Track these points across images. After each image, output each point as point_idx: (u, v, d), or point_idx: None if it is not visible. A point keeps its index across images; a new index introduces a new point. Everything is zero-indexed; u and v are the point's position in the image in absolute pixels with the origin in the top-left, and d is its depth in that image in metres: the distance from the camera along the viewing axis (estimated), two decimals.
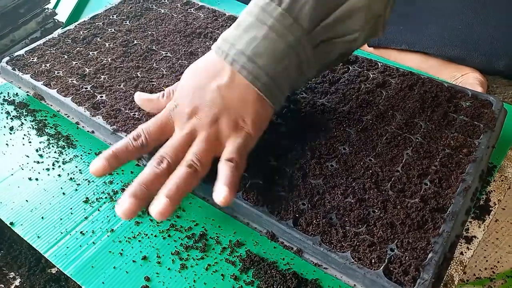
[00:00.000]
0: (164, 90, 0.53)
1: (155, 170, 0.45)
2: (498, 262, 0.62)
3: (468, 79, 0.72)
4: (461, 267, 0.46)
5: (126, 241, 0.48)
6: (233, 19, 0.74)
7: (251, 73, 0.45)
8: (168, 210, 0.42)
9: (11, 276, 0.59)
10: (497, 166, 0.56)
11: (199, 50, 0.67)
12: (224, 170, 0.44)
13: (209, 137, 0.46)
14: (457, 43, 0.74)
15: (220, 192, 0.43)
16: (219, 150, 0.46)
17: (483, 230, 0.50)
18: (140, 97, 0.55)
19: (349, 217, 0.45)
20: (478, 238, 0.49)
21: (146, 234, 0.48)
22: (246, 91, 0.45)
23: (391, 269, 0.41)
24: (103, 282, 0.45)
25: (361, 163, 0.50)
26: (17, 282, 0.59)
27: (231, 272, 0.45)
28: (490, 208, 0.51)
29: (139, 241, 0.48)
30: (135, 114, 0.56)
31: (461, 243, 0.48)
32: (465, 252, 0.47)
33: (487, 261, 0.62)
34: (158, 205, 0.42)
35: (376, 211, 0.45)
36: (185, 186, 0.44)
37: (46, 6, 0.94)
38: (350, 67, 0.63)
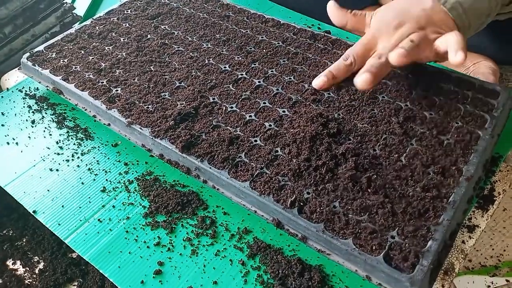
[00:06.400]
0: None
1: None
2: (505, 250, 0.62)
3: (480, 68, 0.72)
4: (462, 256, 0.47)
5: (141, 228, 0.51)
6: (240, 10, 0.75)
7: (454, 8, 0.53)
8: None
9: (35, 260, 0.63)
10: (503, 156, 0.56)
11: (210, 42, 0.69)
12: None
13: (420, 37, 0.52)
14: None
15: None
16: (423, 54, 0.53)
17: (486, 219, 0.51)
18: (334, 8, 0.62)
19: (351, 205, 0.46)
20: (480, 228, 0.50)
21: (159, 222, 0.51)
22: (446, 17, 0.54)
23: (391, 255, 0.42)
24: (119, 267, 0.48)
25: (366, 153, 0.51)
26: (41, 266, 0.62)
27: (239, 258, 0.47)
28: (494, 198, 0.52)
29: (153, 228, 0.51)
30: (148, 107, 0.59)
31: (463, 232, 0.49)
32: (467, 241, 0.48)
33: (493, 249, 0.63)
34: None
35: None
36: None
37: (64, 1, 0.97)
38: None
